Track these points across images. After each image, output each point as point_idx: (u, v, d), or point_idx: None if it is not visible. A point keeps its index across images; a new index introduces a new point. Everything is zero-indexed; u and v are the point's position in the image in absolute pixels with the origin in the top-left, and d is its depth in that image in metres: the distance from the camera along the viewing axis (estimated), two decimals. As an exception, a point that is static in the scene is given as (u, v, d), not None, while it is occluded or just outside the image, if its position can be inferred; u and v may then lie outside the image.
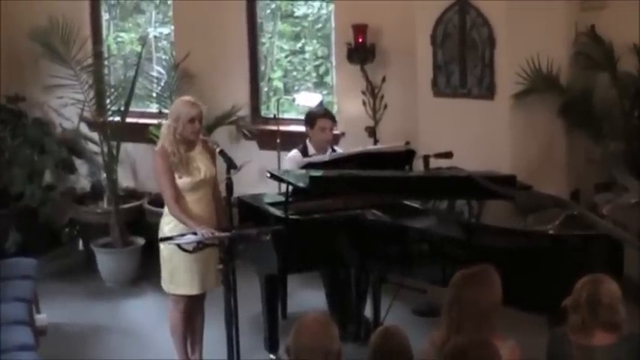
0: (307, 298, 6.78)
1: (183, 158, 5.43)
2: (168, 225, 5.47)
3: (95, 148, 7.76)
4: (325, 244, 5.57)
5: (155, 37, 8.62)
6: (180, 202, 5.39)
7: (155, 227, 5.68)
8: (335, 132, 7.46)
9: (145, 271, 7.32)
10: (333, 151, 6.54)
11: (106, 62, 8.26)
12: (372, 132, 7.31)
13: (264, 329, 5.80)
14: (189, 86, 7.63)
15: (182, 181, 5.42)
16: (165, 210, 5.52)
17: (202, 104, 5.52)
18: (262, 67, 8.20)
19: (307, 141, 6.48)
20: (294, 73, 8.32)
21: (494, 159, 6.35)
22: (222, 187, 5.17)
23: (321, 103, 7.51)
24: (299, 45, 8.24)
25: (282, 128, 7.37)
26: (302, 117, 6.98)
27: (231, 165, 5.14)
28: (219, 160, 5.33)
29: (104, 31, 8.70)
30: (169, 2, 8.42)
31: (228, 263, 4.99)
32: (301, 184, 5.49)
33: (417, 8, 6.89)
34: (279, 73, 8.31)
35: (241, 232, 5.26)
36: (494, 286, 3.90)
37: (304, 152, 6.40)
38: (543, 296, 4.62)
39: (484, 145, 6.60)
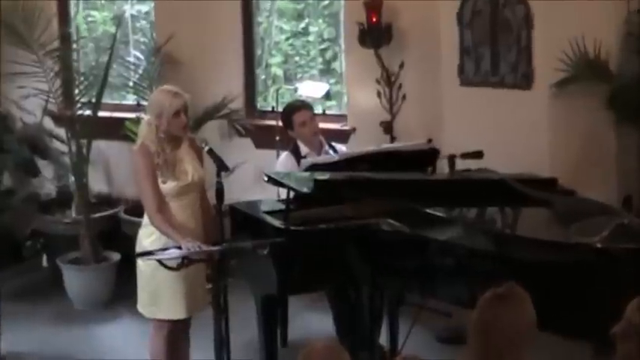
0: (311, 322, 6.82)
1: (169, 159, 5.44)
2: (148, 237, 5.49)
3: (62, 147, 7.79)
4: (333, 259, 5.57)
5: (132, 15, 8.66)
6: (164, 211, 5.41)
7: (133, 240, 5.69)
8: (344, 127, 7.52)
9: (121, 291, 7.34)
10: (331, 147, 6.55)
11: (74, 46, 8.29)
12: (388, 127, 7.33)
13: (260, 358, 5.82)
14: (173, 74, 7.66)
15: (167, 187, 5.43)
16: (145, 220, 5.53)
17: (185, 93, 5.53)
18: (259, 52, 8.23)
19: (297, 141, 6.50)
20: (297, 59, 8.35)
21: (532, 159, 6.37)
22: (212, 193, 5.18)
23: (327, 94, 7.53)
24: (302, 25, 8.27)
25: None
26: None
27: (221, 167, 5.15)
28: (209, 161, 5.35)
29: (72, 9, 8.75)
30: (149, -25, 8.48)
31: (218, 282, 5.01)
32: (304, 189, 5.50)
33: (440, -18, 6.94)
34: (278, 59, 8.34)
35: (234, 245, 5.28)
36: (525, 309, 3.91)
37: (296, 153, 6.42)
38: (588, 321, 4.62)
39: (519, 142, 6.61)
